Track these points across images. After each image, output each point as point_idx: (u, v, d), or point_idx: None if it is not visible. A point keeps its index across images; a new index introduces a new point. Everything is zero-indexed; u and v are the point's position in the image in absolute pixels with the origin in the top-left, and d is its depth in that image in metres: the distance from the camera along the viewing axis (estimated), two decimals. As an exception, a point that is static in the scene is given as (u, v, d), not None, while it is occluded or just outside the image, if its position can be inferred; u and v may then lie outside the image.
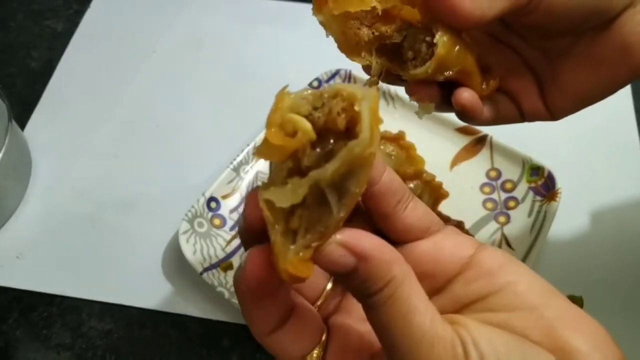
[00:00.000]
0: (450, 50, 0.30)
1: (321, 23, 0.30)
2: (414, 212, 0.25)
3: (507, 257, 0.25)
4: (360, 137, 0.19)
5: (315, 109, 0.21)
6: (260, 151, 0.20)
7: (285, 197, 0.20)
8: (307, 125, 0.20)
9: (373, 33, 0.30)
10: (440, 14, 0.29)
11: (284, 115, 0.20)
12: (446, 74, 0.31)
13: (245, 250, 0.23)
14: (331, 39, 0.32)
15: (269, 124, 0.20)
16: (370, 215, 0.25)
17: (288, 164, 0.21)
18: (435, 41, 0.30)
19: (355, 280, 0.21)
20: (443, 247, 0.25)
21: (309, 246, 0.20)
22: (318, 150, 0.20)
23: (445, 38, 0.30)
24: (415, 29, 0.30)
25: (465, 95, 0.33)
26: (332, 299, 0.28)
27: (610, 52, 0.32)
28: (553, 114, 0.36)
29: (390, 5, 0.30)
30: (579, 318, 0.23)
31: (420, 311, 0.21)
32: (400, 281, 0.21)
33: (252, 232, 0.23)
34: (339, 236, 0.21)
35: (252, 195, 0.22)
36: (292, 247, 0.20)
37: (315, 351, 0.25)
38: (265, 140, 0.20)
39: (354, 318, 0.27)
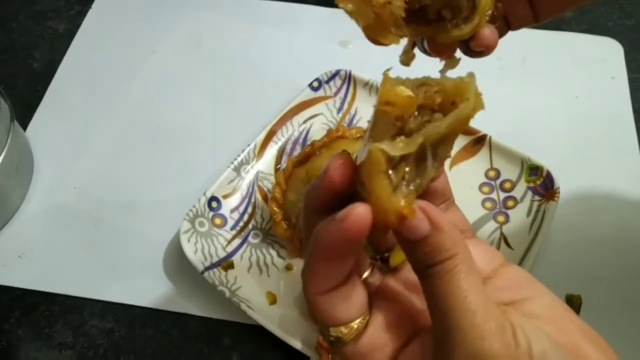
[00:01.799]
0: None
1: (350, 12, 0.27)
2: (454, 214, 0.28)
3: (530, 275, 0.27)
4: (469, 101, 0.23)
5: (414, 89, 0.25)
6: (384, 103, 0.24)
7: (400, 148, 0.23)
8: (411, 93, 0.24)
9: (405, 2, 0.27)
10: None
11: (392, 87, 0.24)
12: (486, 20, 0.29)
13: (306, 225, 0.26)
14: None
15: (384, 90, 0.24)
16: None
17: (397, 125, 0.24)
18: None
19: (423, 248, 0.23)
20: (476, 251, 0.26)
21: (415, 194, 0.23)
22: (420, 118, 0.24)
23: None
24: None
25: (487, 33, 0.30)
26: (370, 283, 0.29)
27: None
28: (539, 17, 0.34)
29: None
30: (592, 334, 0.25)
31: (476, 289, 0.22)
32: (462, 258, 0.23)
33: (332, 190, 0.24)
34: (421, 202, 0.23)
35: (340, 157, 0.24)
36: (401, 189, 0.23)
37: (359, 320, 0.26)
38: (387, 98, 0.24)
39: (396, 297, 0.28)
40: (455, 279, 0.22)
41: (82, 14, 0.74)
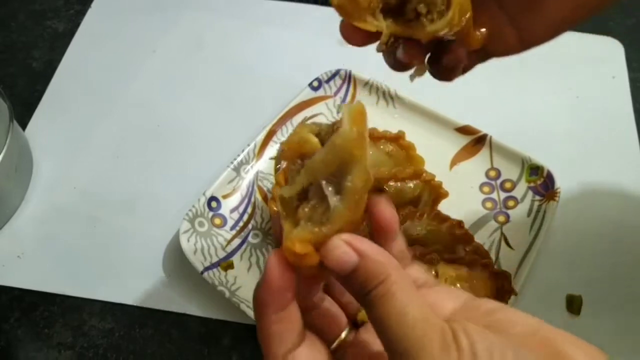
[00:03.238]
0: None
1: None
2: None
3: (501, 304, 0.26)
4: (340, 131, 0.24)
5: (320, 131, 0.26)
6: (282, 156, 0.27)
7: (290, 189, 0.25)
8: (314, 138, 0.26)
9: None
10: None
11: (299, 135, 0.26)
12: (463, 22, 0.29)
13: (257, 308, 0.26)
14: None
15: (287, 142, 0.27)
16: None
17: (299, 167, 0.25)
18: None
19: (356, 279, 0.24)
20: (438, 297, 0.26)
21: (312, 231, 0.24)
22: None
23: None
24: None
25: (461, 51, 0.31)
26: (347, 347, 0.29)
27: None
28: (526, 46, 0.32)
29: None
30: (573, 337, 0.24)
31: (413, 304, 0.23)
32: (394, 280, 0.23)
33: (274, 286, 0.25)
34: (344, 236, 0.24)
35: (275, 255, 0.25)
36: (306, 227, 0.24)
37: None
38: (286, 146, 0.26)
39: (365, 349, 0.28)
40: (392, 300, 0.23)
41: (81, 14, 0.74)
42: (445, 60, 0.32)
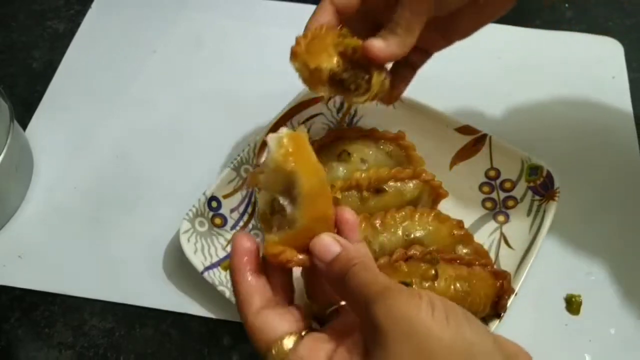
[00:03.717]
0: (381, 84, 0.42)
1: (296, 69, 0.42)
2: None
3: None
4: (267, 158, 0.31)
5: None
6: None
7: (259, 210, 0.33)
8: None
9: (329, 72, 0.42)
10: (370, 58, 0.41)
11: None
12: (380, 95, 0.44)
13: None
14: None
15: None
16: None
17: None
18: (373, 82, 0.42)
19: (338, 263, 0.31)
20: None
21: (279, 235, 0.32)
22: None
23: (380, 78, 0.42)
24: (356, 69, 0.42)
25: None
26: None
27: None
28: (450, 43, 0.47)
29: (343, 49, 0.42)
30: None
31: (382, 274, 0.30)
32: (367, 261, 0.31)
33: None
34: (329, 234, 0.32)
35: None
36: (276, 233, 0.32)
37: (294, 336, 0.30)
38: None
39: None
40: (368, 271, 0.30)
41: (81, 14, 0.74)
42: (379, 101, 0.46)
